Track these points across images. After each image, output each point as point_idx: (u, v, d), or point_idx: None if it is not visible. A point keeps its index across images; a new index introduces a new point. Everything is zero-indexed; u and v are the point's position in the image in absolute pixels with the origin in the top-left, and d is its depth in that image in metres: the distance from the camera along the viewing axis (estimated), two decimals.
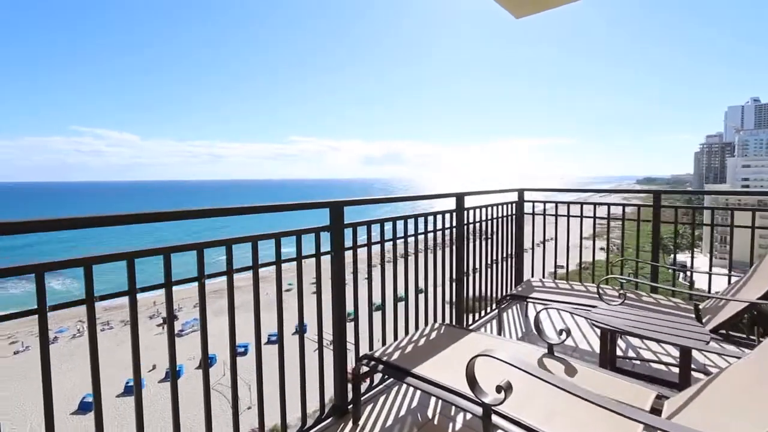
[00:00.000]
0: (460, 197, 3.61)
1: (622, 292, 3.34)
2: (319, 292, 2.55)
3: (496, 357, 1.60)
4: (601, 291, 3.23)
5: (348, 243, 2.61)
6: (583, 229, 4.92)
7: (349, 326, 2.91)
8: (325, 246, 2.54)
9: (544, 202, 4.88)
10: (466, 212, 3.71)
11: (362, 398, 2.73)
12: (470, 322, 3.95)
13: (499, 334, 3.79)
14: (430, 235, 3.27)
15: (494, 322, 4.08)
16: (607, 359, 2.57)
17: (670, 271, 3.94)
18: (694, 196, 50.46)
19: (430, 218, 3.25)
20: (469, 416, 2.42)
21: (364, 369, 2.49)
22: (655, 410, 1.64)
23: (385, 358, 2.43)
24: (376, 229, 2.80)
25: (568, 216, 4.60)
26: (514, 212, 4.70)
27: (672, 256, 4.77)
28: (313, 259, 2.54)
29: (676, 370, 2.52)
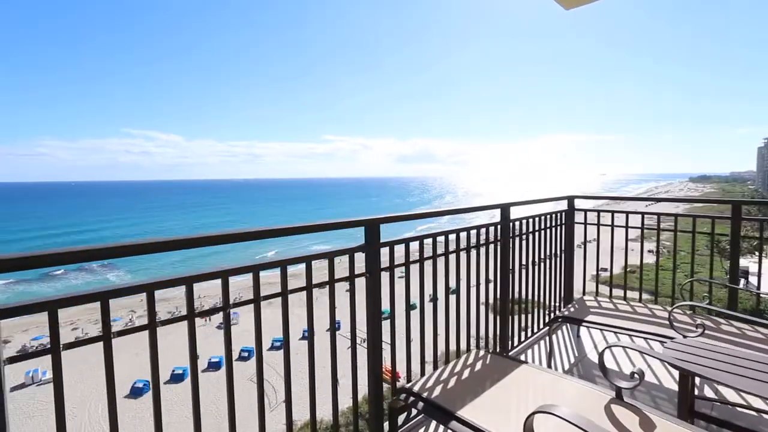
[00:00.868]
0: (505, 208, 3.31)
1: (700, 322, 2.90)
2: (353, 320, 2.36)
3: (560, 416, 1.35)
4: (672, 317, 2.81)
5: (384, 262, 2.42)
6: (644, 243, 4.44)
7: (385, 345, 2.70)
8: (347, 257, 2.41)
9: (598, 212, 4.44)
10: (511, 224, 3.39)
11: None
12: (515, 343, 3.64)
13: (550, 364, 3.43)
14: (473, 250, 3.01)
15: (542, 344, 3.74)
16: (687, 407, 2.18)
17: (751, 295, 3.42)
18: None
19: (473, 232, 2.99)
20: None
21: (402, 403, 2.27)
22: None
23: (425, 394, 2.20)
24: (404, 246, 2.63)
25: (627, 227, 4.14)
26: (563, 222, 4.31)
27: (747, 277, 4.17)
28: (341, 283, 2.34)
29: None
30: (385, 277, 2.43)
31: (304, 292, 2.14)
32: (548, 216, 4.00)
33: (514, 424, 1.47)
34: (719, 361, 2.04)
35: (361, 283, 2.38)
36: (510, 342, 3.52)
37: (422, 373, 2.51)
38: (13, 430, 20.58)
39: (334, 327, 2.34)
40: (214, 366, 26.74)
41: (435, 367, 2.65)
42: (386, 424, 2.42)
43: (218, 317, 36.49)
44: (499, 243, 3.25)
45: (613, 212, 4.30)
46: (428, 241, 2.75)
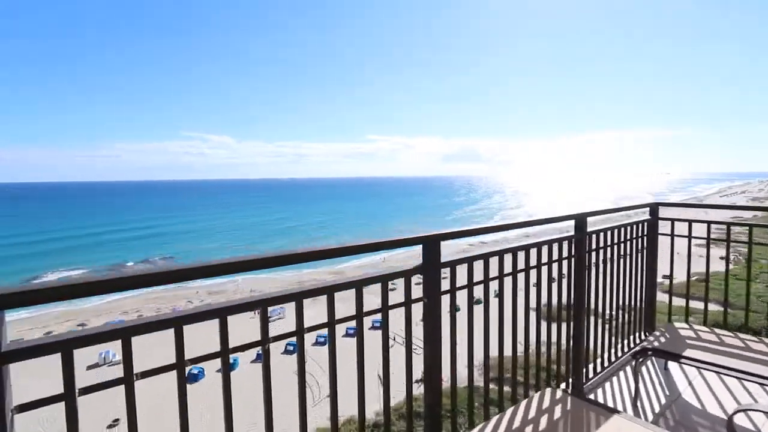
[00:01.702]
0: (580, 219, 2.85)
1: None
2: (409, 351, 2.05)
3: None
4: None
5: (443, 284, 2.10)
6: (751, 262, 3.72)
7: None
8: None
9: (689, 221, 3.78)
10: (588, 238, 2.92)
11: None
12: (590, 374, 3.15)
13: (636, 405, 2.88)
14: (543, 268, 2.60)
15: (621, 378, 3.20)
16: None
17: None
18: None
19: (545, 248, 2.58)
20: None
21: None
22: None
23: None
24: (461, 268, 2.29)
25: (728, 242, 3.48)
26: (645, 233, 3.72)
27: None
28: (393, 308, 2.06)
29: None
30: (444, 300, 2.11)
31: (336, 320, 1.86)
32: (629, 227, 3.45)
33: None
34: None
35: (414, 307, 2.08)
36: (585, 375, 3.04)
37: (486, 416, 2.15)
38: (89, 400, 22.63)
39: (387, 365, 2.06)
40: (260, 357, 27.64)
41: (500, 408, 2.28)
42: None
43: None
44: (573, 259, 2.80)
45: (709, 223, 3.64)
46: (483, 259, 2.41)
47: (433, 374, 2.11)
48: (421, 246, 1.96)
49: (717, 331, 3.05)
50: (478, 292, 2.29)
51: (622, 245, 3.32)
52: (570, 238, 2.80)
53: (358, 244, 1.77)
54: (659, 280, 3.87)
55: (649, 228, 3.73)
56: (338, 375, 1.78)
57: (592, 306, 3.05)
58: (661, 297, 3.91)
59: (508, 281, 2.39)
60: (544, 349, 2.69)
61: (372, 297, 2.08)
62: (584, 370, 3.01)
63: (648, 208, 3.88)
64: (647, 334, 3.60)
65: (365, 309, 1.87)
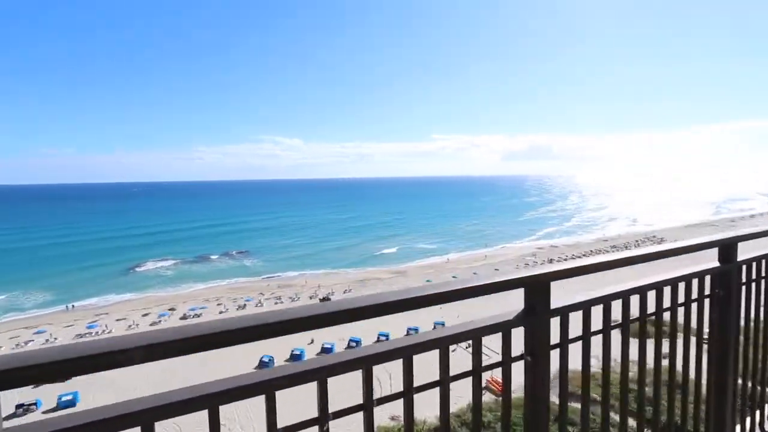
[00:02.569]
0: (728, 246, 2.02)
1: None
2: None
3: None
4: None
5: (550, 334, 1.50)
6: None
7: None
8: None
9: None
10: (738, 268, 2.06)
11: None
12: None
13: None
14: (675, 311, 1.85)
15: None
16: None
17: None
18: None
19: (681, 284, 1.83)
20: None
21: None
22: None
23: None
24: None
25: None
26: None
27: None
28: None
29: None
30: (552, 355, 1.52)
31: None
32: None
33: None
34: None
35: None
36: None
37: None
38: (175, 379, 24.78)
39: None
40: (327, 351, 28.37)
41: None
42: None
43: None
44: (716, 297, 2.01)
45: None
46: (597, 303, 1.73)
47: None
48: (522, 289, 1.51)
49: None
50: (595, 344, 1.65)
51: None
52: (714, 270, 1.97)
53: (448, 290, 1.27)
54: None
55: None
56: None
57: (741, 360, 2.18)
58: None
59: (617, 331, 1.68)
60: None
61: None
62: None
63: None
64: None
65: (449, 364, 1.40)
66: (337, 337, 31.35)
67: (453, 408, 1.56)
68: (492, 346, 1.88)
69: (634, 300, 1.75)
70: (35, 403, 22.06)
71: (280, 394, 1.05)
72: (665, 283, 1.77)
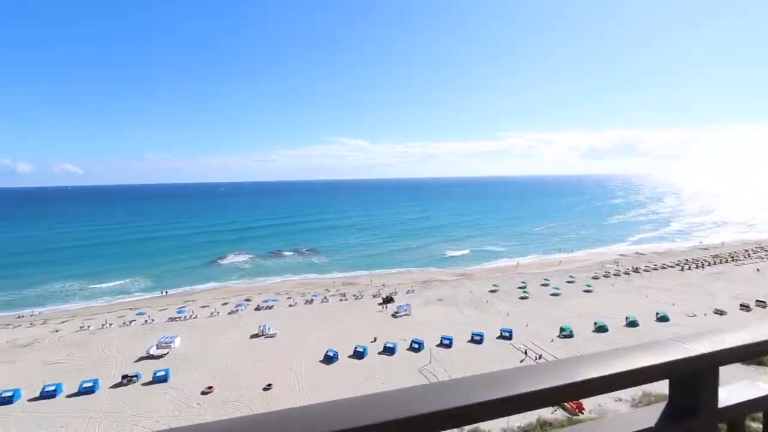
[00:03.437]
0: None
1: None
2: None
3: None
4: None
5: None
6: None
7: None
8: None
9: None
10: None
11: None
12: None
13: None
14: None
15: None
16: None
17: None
18: None
19: None
20: None
21: None
22: None
23: None
24: None
25: None
26: None
27: None
28: None
29: None
30: None
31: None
32: None
33: None
34: None
35: None
36: None
37: None
38: (251, 365, 26.53)
39: None
40: (389, 351, 28.49)
41: None
42: None
43: (393, 306, 39.22)
44: None
45: None
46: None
47: None
48: (667, 380, 0.91)
49: None
50: None
51: None
52: None
53: (558, 385, 0.71)
54: None
55: None
56: None
57: None
58: None
59: None
60: None
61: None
62: None
63: None
64: None
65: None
66: (399, 336, 31.34)
67: None
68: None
69: None
70: (136, 376, 25.21)
71: None
72: None
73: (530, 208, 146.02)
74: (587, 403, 20.49)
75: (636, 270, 51.11)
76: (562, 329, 30.63)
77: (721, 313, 34.10)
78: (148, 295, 48.53)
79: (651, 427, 0.86)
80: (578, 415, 20.01)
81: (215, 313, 38.75)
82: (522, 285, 45.28)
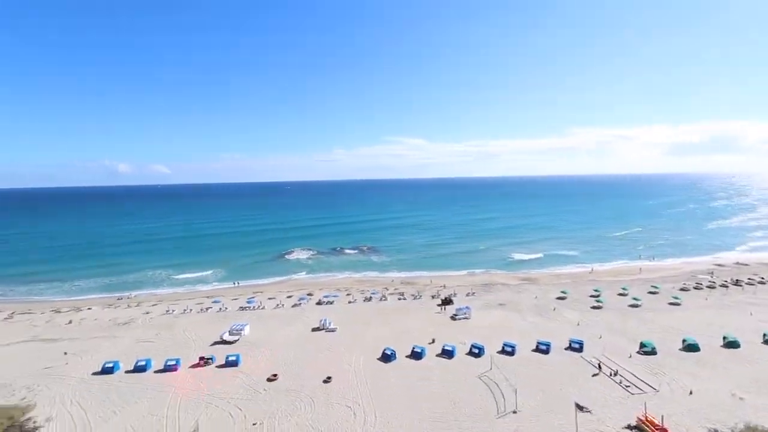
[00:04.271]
0: None
1: None
2: None
3: None
4: None
5: None
6: None
7: None
8: None
9: None
10: None
11: None
12: None
13: None
14: None
15: None
16: None
17: None
18: None
19: None
20: None
21: None
22: None
23: None
24: None
25: None
26: None
27: None
28: None
29: None
30: None
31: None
32: None
33: None
34: None
35: None
36: None
37: None
38: (312, 357, 27.52)
39: None
40: (447, 353, 27.90)
41: None
42: None
43: (452, 308, 38.15)
44: None
45: None
46: None
47: None
48: None
49: None
50: None
51: None
52: None
53: None
54: None
55: None
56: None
57: None
58: None
59: None
60: None
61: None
62: None
63: None
64: None
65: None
66: (458, 340, 30.29)
67: None
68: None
69: None
70: (211, 358, 27.46)
71: None
72: None
73: (609, 210, 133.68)
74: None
75: (737, 283, 44.56)
76: (642, 344, 27.52)
77: None
78: (222, 285, 52.83)
79: None
80: None
81: (280, 305, 40.89)
82: (595, 293, 41.73)
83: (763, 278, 46.14)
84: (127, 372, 26.51)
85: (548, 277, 52.49)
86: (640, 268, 54.70)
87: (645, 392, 22.02)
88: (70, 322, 38.09)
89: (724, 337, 28.50)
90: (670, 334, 30.23)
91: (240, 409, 21.56)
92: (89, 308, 42.69)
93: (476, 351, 27.77)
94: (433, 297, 42.42)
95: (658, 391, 22.08)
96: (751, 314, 34.50)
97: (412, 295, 43.56)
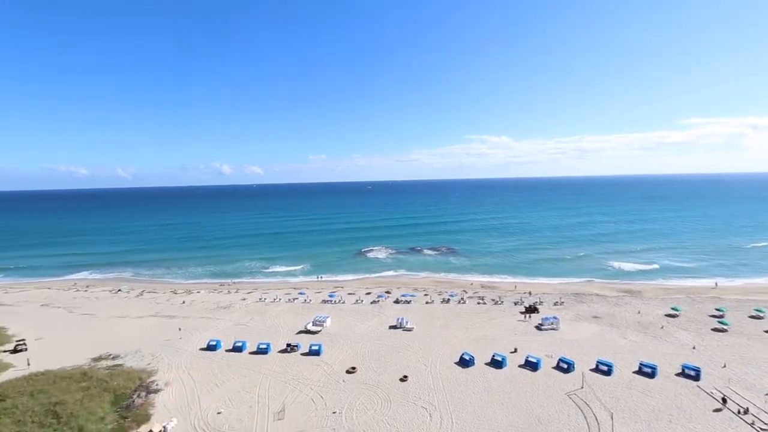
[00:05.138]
0: None
1: None
2: None
3: None
4: None
5: None
6: None
7: None
8: None
9: None
10: None
11: None
12: None
13: None
14: None
15: None
16: None
17: None
18: None
19: None
20: None
21: None
22: None
23: None
24: None
25: None
26: None
27: None
28: None
29: None
30: None
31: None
32: None
33: None
34: None
35: None
36: None
37: None
38: (389, 354, 27.90)
39: None
40: (531, 365, 26.06)
41: None
42: None
43: (537, 317, 35.50)
44: None
45: None
46: None
47: None
48: None
49: None
50: None
51: None
52: None
53: None
54: None
55: None
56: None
57: None
58: None
59: None
60: None
61: None
62: None
63: None
64: None
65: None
66: (544, 352, 28.05)
67: None
68: None
69: None
70: (297, 346, 29.47)
71: None
72: None
73: (745, 216, 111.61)
74: None
75: None
76: None
77: None
78: (307, 279, 56.43)
79: None
80: None
81: (359, 301, 42.18)
82: (717, 313, 35.43)
83: None
84: (227, 351, 29.77)
85: (654, 290, 45.93)
86: None
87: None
88: (184, 302, 44.02)
89: None
90: None
91: (321, 397, 22.67)
92: (198, 291, 48.90)
93: (564, 366, 25.40)
94: (516, 303, 40.00)
95: None
96: None
97: (493, 300, 41.58)
